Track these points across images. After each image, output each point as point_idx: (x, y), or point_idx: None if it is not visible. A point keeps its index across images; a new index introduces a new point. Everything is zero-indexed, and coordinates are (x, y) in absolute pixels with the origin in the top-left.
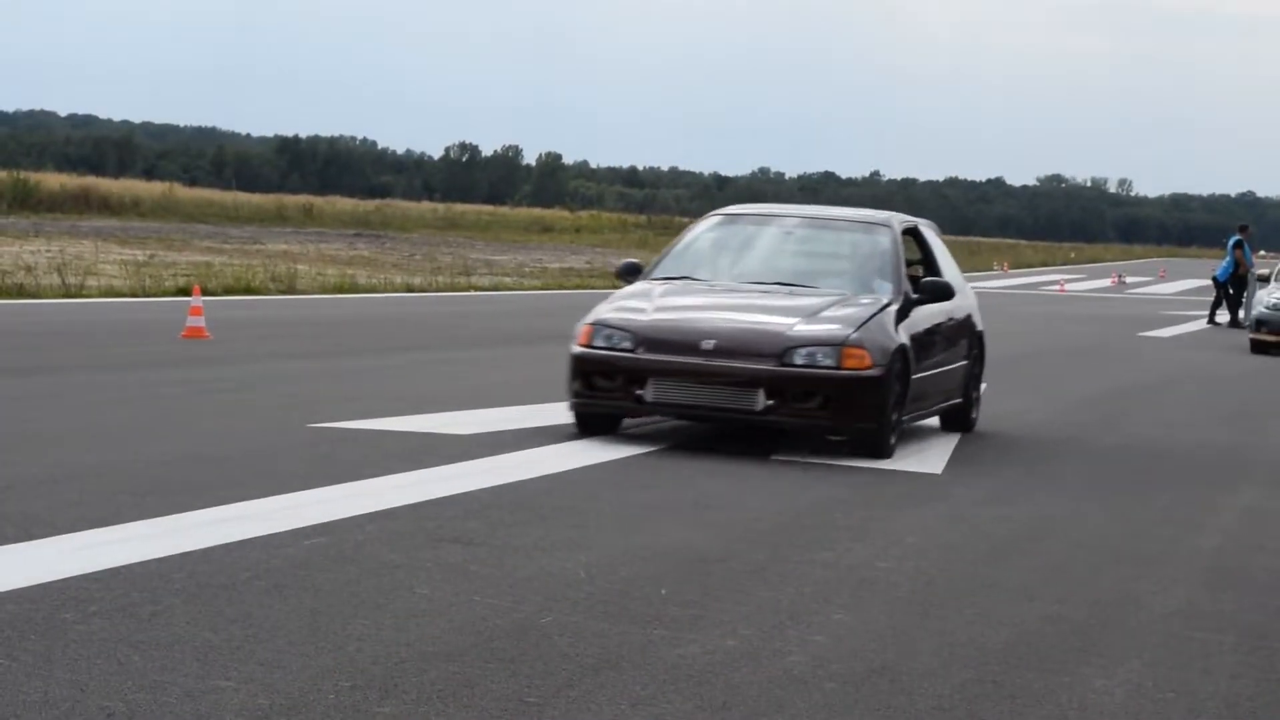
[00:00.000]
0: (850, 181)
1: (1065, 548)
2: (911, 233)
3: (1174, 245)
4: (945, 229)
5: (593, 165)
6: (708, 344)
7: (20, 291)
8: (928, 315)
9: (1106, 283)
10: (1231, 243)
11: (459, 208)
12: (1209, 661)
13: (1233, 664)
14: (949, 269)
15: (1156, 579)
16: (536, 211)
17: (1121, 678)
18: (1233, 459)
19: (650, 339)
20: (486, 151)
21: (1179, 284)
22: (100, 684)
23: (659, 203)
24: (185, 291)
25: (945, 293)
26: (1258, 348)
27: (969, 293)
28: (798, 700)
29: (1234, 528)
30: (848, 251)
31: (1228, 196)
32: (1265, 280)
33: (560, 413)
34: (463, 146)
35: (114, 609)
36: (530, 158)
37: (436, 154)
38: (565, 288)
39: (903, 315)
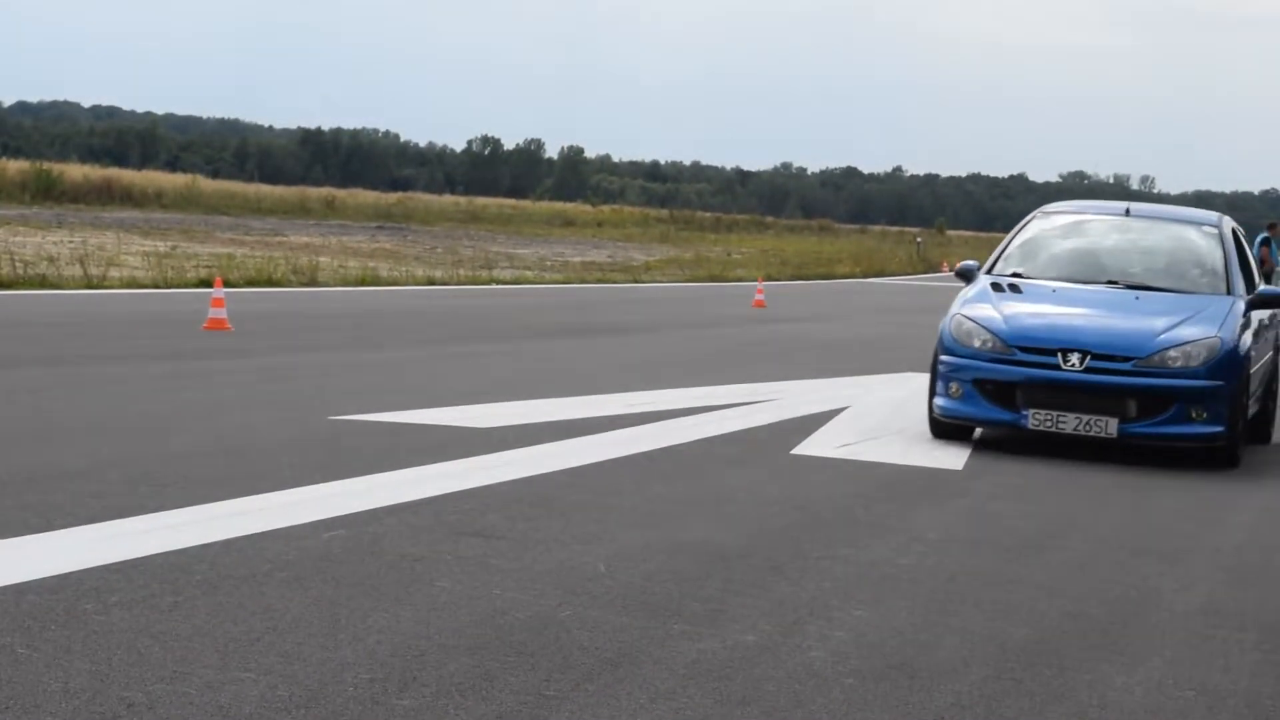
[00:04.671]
0: (873, 177)
1: (1086, 544)
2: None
3: None
4: (967, 225)
5: (615, 159)
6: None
7: (43, 282)
8: (1256, 319)
9: None
10: (1259, 241)
11: (481, 201)
12: (1229, 659)
13: (1254, 662)
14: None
15: (1178, 576)
16: (558, 205)
17: (1142, 675)
18: (1255, 456)
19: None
20: (509, 145)
21: None
22: (120, 674)
23: (681, 197)
24: (207, 283)
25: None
26: None
27: None
28: (817, 696)
29: (1256, 525)
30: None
31: (1250, 194)
32: None
33: (578, 407)
34: (485, 140)
35: (135, 600)
36: (552, 151)
37: (459, 147)
38: (587, 281)
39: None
